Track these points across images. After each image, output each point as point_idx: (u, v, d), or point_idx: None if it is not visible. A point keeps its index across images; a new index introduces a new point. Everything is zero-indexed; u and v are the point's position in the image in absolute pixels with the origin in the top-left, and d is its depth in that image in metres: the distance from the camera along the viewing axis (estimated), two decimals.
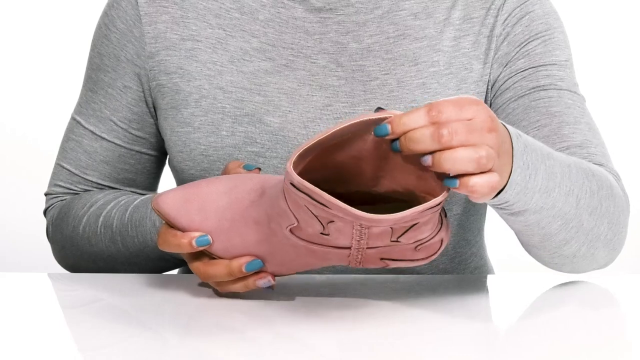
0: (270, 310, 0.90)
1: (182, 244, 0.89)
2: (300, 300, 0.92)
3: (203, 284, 0.97)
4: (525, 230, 0.92)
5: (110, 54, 1.11)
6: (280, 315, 0.88)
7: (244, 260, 0.88)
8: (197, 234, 0.88)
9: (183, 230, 0.89)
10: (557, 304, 0.95)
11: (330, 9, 1.08)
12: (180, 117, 1.08)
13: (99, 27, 1.13)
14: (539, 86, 1.07)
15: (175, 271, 1.21)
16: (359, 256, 0.83)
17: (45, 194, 1.17)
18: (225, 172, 0.96)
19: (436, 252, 0.85)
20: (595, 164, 1.02)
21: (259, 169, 0.95)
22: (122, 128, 1.12)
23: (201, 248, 0.88)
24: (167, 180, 1.19)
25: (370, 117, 0.78)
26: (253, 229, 0.87)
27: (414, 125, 0.77)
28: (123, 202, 1.07)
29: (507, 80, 1.08)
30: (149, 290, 0.97)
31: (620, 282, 1.07)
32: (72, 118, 1.15)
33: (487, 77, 1.08)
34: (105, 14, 1.12)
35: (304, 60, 1.07)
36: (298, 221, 0.82)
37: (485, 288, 1.01)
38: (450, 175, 0.78)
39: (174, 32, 1.09)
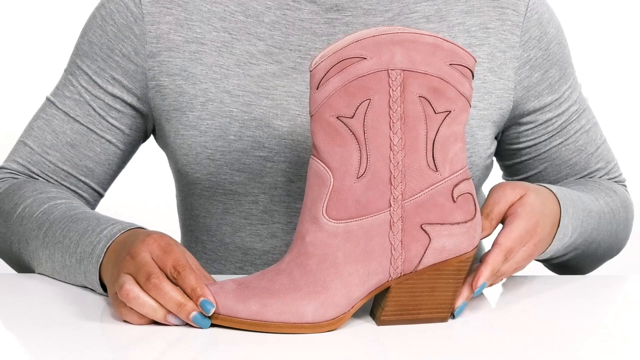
0: None
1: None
2: None
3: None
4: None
5: (103, 44, 1.09)
6: None
7: (190, 308, 0.84)
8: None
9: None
10: (557, 303, 0.96)
11: (338, 9, 1.06)
12: (186, 119, 1.06)
13: (93, 17, 1.11)
14: (565, 121, 1.14)
15: None
16: (400, 223, 0.84)
17: (0, 167, 1.14)
18: None
19: (473, 217, 0.86)
20: (615, 179, 1.18)
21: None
22: (99, 115, 1.10)
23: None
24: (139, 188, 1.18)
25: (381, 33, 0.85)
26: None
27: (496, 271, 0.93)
28: (77, 203, 1.04)
29: (536, 112, 1.12)
30: None
31: (621, 280, 1.08)
32: (47, 99, 1.13)
33: (501, 91, 1.09)
34: (103, 6, 1.10)
35: None
36: (332, 170, 0.83)
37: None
38: None
39: (177, 34, 1.07)
